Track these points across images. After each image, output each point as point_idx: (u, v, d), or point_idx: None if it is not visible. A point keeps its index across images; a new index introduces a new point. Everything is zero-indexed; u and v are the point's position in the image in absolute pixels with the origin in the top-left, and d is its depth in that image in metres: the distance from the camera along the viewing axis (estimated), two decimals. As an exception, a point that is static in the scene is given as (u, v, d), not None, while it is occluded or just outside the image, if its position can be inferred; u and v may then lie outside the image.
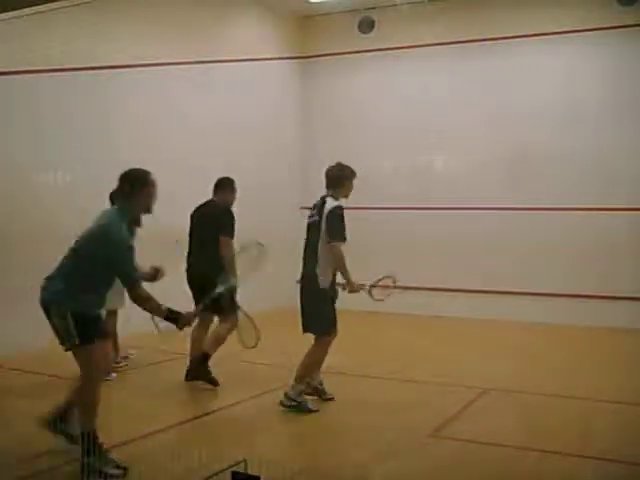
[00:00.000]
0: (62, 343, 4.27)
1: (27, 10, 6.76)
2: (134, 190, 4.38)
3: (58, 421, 4.42)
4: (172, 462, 4.46)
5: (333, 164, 6.18)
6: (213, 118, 9.90)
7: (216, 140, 9.85)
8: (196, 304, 5.79)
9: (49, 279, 4.33)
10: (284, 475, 3.80)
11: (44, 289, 4.31)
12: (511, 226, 10.26)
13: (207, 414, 5.45)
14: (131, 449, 4.68)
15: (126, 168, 4.57)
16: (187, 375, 6.35)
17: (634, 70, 9.79)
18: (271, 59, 11.26)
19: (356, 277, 5.67)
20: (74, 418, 4.41)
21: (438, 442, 4.92)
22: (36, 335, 7.35)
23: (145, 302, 4.30)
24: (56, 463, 4.34)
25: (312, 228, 5.75)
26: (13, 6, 6.19)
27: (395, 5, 10.71)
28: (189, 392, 6.16)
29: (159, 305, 4.34)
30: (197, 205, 6.72)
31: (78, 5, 7.78)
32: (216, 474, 3.78)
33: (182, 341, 8.14)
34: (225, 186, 6.65)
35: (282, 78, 11.57)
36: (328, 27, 11.64)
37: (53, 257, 4.41)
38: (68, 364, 7.05)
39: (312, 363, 5.61)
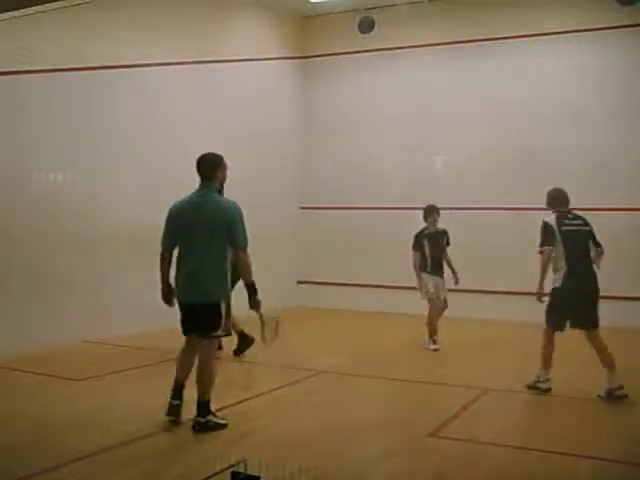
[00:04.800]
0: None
1: (27, 10, 6.75)
2: None
3: None
4: (173, 461, 4.47)
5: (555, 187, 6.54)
6: (213, 118, 9.90)
7: (216, 140, 9.83)
8: None
9: None
10: (284, 475, 3.79)
11: None
12: (511, 226, 10.25)
13: (207, 414, 5.43)
14: (132, 448, 4.69)
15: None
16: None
17: (634, 70, 9.79)
18: (271, 59, 11.26)
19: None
20: None
21: (438, 442, 4.92)
22: (36, 335, 7.42)
23: None
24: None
25: (580, 236, 6.23)
26: (13, 6, 6.18)
27: (395, 5, 10.72)
28: (188, 392, 6.15)
29: None
30: None
31: (78, 5, 7.79)
32: (216, 474, 3.78)
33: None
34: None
35: (282, 78, 11.57)
36: (328, 27, 11.64)
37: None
38: (67, 364, 7.08)
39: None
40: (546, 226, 6.22)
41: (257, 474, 3.50)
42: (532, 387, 6.21)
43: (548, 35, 10.15)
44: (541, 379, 6.20)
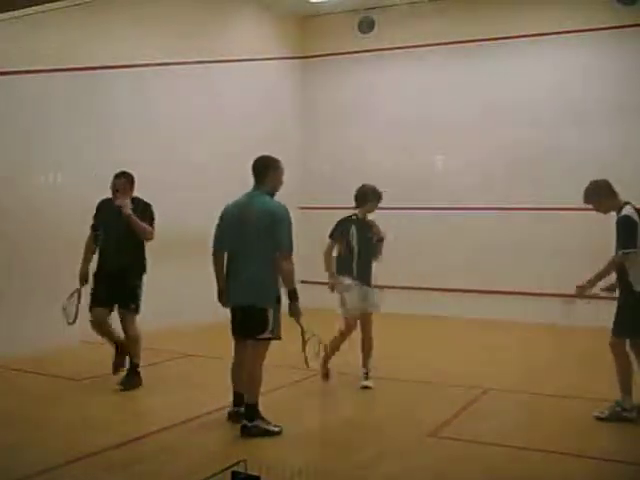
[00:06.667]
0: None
1: (27, 10, 6.75)
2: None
3: None
4: (173, 461, 4.47)
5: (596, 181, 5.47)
6: (213, 118, 9.89)
7: (216, 140, 9.85)
8: None
9: None
10: (284, 475, 3.79)
11: None
12: (511, 226, 10.26)
13: (208, 413, 5.44)
14: (132, 448, 4.69)
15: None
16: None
17: (634, 70, 9.78)
18: (271, 59, 11.25)
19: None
20: None
21: (438, 442, 4.92)
22: (36, 335, 7.41)
23: None
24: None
25: None
26: (13, 6, 6.18)
27: (395, 5, 10.72)
28: (189, 391, 6.15)
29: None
30: None
31: (78, 5, 7.78)
32: (216, 474, 3.78)
33: (180, 342, 8.13)
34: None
35: (282, 78, 11.57)
36: (328, 27, 11.64)
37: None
38: (67, 364, 7.08)
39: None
40: (633, 223, 5.22)
41: (257, 474, 3.50)
42: (614, 419, 5.26)
43: (548, 35, 10.13)
44: (627, 407, 5.26)
